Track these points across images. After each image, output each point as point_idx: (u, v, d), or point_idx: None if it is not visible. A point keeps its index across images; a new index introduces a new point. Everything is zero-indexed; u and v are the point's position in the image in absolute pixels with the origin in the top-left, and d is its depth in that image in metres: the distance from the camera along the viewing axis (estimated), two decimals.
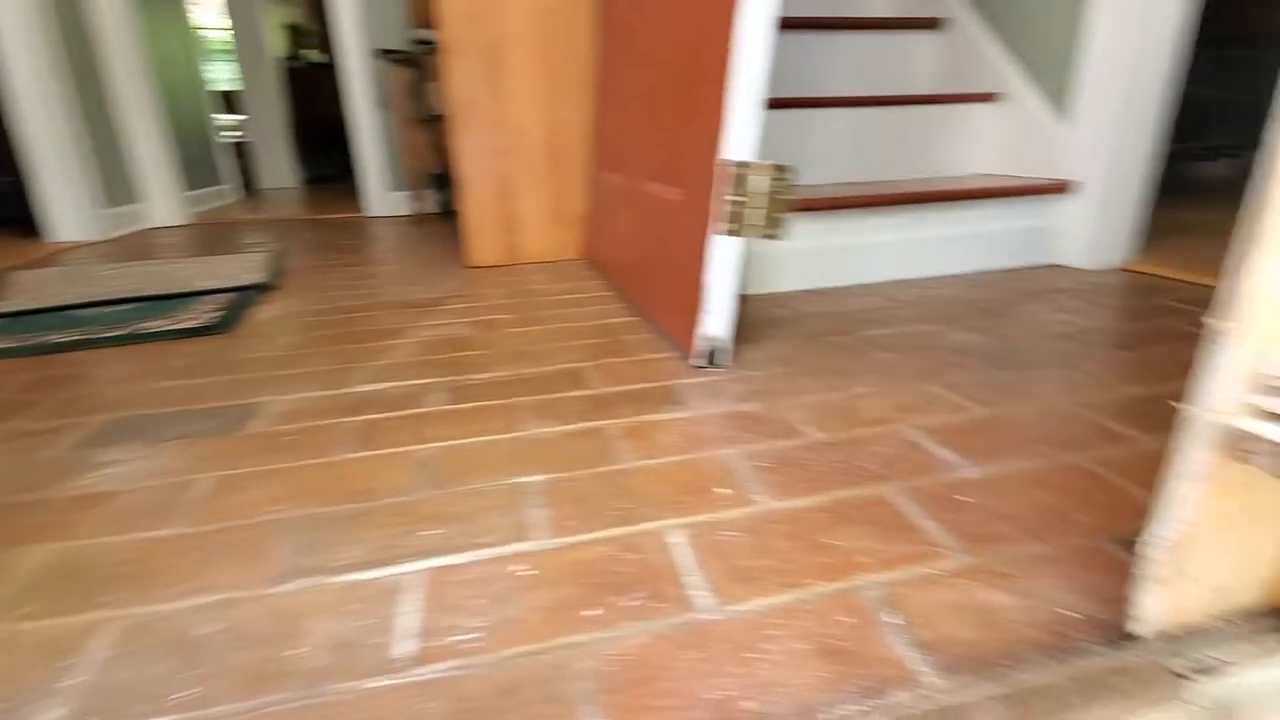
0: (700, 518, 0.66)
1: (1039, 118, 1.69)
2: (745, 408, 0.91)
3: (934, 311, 1.32)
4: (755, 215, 0.97)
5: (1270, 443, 0.39)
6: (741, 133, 0.94)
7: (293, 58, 5.73)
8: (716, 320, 1.03)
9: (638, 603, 0.55)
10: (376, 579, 0.59)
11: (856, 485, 0.71)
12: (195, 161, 3.53)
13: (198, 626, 0.54)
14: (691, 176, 1.08)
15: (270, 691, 0.48)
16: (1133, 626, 0.48)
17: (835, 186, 1.70)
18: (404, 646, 0.51)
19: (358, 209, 3.41)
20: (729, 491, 0.70)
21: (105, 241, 2.66)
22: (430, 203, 2.95)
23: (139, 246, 2.53)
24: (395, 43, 2.97)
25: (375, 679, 0.48)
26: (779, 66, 1.95)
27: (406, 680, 0.48)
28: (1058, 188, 1.61)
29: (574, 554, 0.61)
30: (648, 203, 1.30)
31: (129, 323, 1.42)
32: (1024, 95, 1.72)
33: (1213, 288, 1.41)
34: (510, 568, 0.60)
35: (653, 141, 1.28)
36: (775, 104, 1.68)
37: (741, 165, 0.95)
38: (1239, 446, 0.41)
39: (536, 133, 1.79)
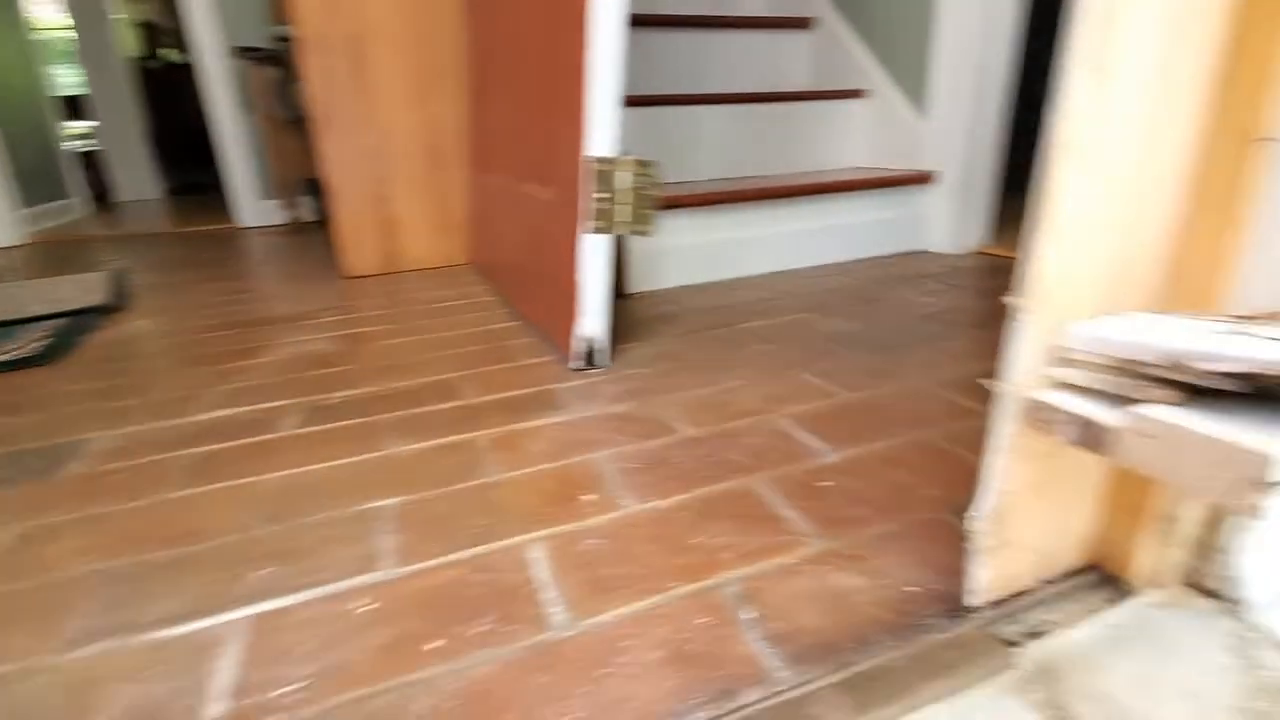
0: (564, 528, 0.64)
1: (902, 113, 1.77)
2: (621, 408, 0.89)
3: (811, 301, 1.36)
4: (623, 212, 0.96)
5: (1065, 412, 0.41)
6: (602, 129, 0.92)
7: (150, 58, 5.25)
8: (592, 320, 1.01)
9: (486, 628, 0.51)
10: (192, 633, 0.53)
11: (724, 480, 0.71)
12: (34, 174, 3.15)
13: None
14: (561, 175, 1.05)
15: None
16: (968, 598, 0.50)
17: (716, 182, 1.72)
18: (215, 708, 0.46)
19: (228, 220, 3.16)
20: (595, 498, 0.68)
21: None
22: (306, 211, 2.77)
23: None
24: (256, 39, 2.76)
25: None
26: (657, 64, 1.96)
27: None
28: (921, 178, 1.70)
29: (422, 581, 0.57)
30: (524, 203, 1.27)
31: None
32: (888, 92, 1.81)
33: None
34: (349, 605, 0.55)
35: (524, 140, 1.24)
36: (653, 101, 1.68)
37: (605, 162, 0.93)
38: (1041, 418, 0.42)
39: (410, 132, 1.71)
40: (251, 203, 2.93)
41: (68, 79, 4.68)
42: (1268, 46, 0.38)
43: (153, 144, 4.82)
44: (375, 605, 0.54)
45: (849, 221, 1.67)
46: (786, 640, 0.49)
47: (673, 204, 1.48)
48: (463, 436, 0.83)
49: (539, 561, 0.59)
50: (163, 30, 5.45)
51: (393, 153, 1.69)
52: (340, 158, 1.66)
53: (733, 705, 0.44)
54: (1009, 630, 0.49)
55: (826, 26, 2.01)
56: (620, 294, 1.45)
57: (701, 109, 1.74)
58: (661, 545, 0.61)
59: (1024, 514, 0.48)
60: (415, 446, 0.81)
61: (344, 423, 0.88)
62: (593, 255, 0.98)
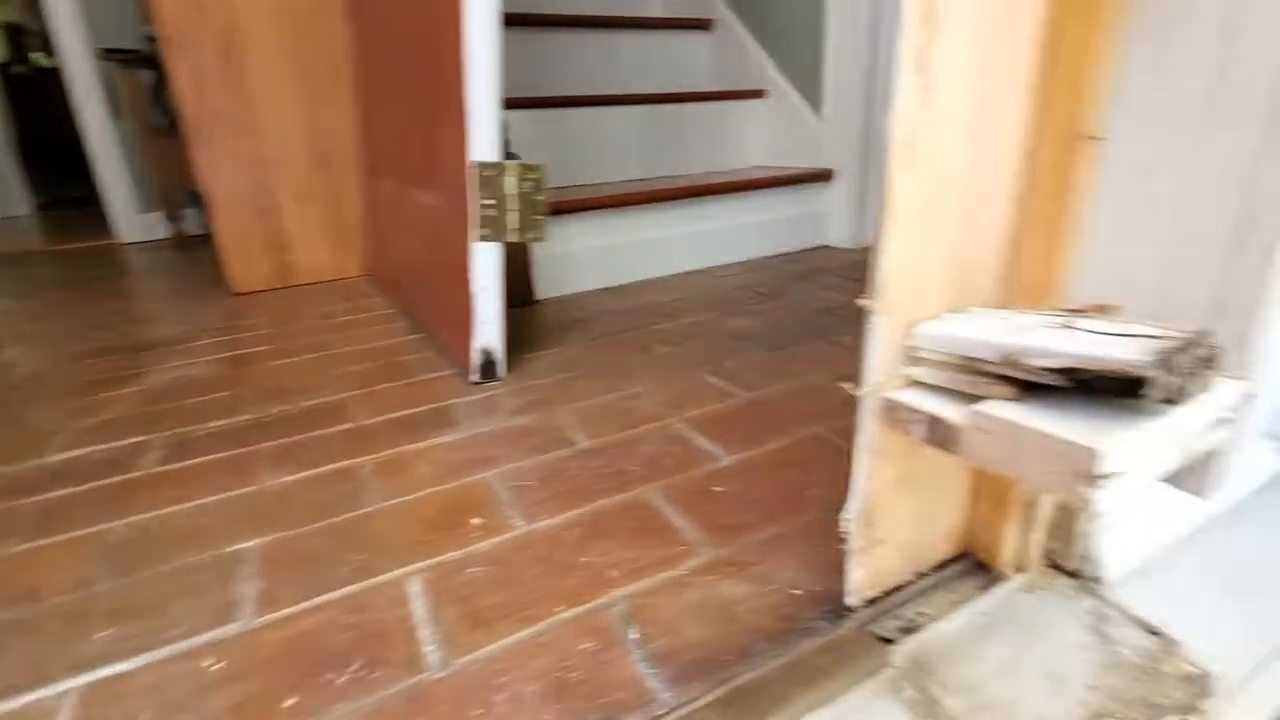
0: (447, 557, 0.60)
1: (800, 113, 1.81)
2: (519, 422, 0.86)
3: (717, 300, 1.37)
4: (511, 218, 0.93)
5: (916, 411, 0.41)
6: (484, 133, 0.89)
7: (18, 62, 4.78)
8: (488, 331, 0.98)
9: (352, 677, 0.48)
10: (20, 709, 0.46)
11: (618, 492, 0.69)
12: None
13: None
14: (445, 181, 1.01)
15: None
16: (847, 598, 0.50)
17: (623, 184, 1.71)
18: None
19: (106, 236, 2.91)
20: (483, 520, 0.65)
21: None
22: (191, 224, 2.59)
23: None
24: (126, 41, 2.55)
25: None
26: (558, 65, 1.93)
27: None
28: (821, 176, 1.75)
29: (285, 630, 0.52)
30: (413, 210, 1.21)
31: None
32: (786, 93, 1.85)
33: None
34: (199, 663, 0.50)
35: (409, 144, 1.19)
36: (554, 103, 1.65)
37: (489, 167, 0.90)
38: (897, 417, 0.43)
39: (296, 138, 1.61)
40: (130, 217, 2.71)
41: None
42: (1083, 49, 0.40)
43: (21, 156, 4.39)
44: (227, 662, 0.49)
45: (754, 220, 1.69)
46: (670, 659, 0.48)
47: (579, 207, 1.46)
48: (346, 463, 0.78)
49: (417, 596, 0.55)
50: (29, 32, 4.97)
51: (277, 160, 1.59)
52: (218, 166, 1.55)
53: None
54: (886, 627, 0.49)
55: (725, 28, 2.04)
56: (527, 301, 1.42)
57: (605, 110, 1.73)
58: (549, 567, 0.58)
59: (893, 511, 0.48)
60: (291, 478, 0.75)
61: (214, 456, 0.81)
62: (484, 264, 0.94)
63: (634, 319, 1.27)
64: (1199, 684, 0.44)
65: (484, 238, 0.92)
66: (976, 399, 0.39)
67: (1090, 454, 0.32)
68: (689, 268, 1.62)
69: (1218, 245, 0.37)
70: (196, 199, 2.48)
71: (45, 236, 3.11)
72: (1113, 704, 0.43)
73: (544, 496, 0.69)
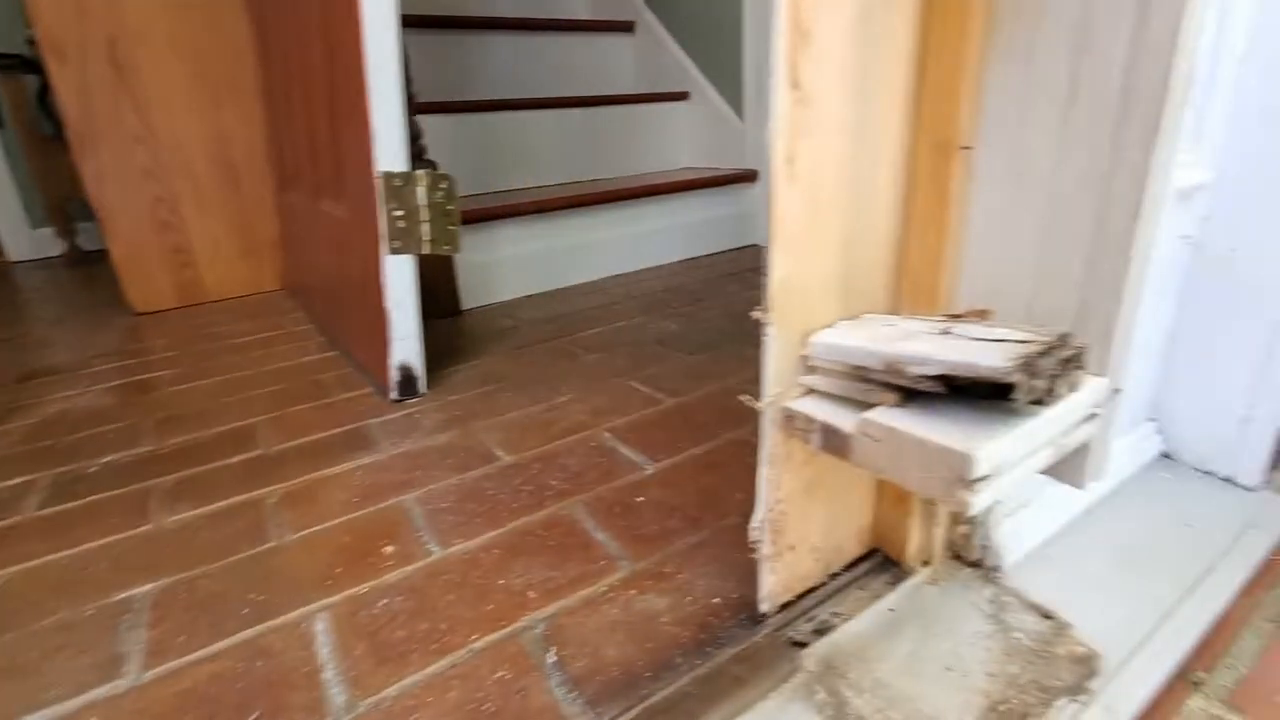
0: (357, 589, 0.58)
1: (724, 115, 1.84)
2: (439, 440, 0.84)
3: (645, 303, 1.37)
4: (423, 229, 0.90)
5: (811, 420, 0.41)
6: (390, 141, 0.86)
7: None
8: (405, 346, 0.95)
9: None
10: None
11: (539, 508, 0.68)
12: None
13: None
14: (353, 191, 0.97)
15: None
16: (761, 606, 0.50)
17: (549, 188, 1.69)
18: None
19: None
20: (396, 548, 0.63)
21: None
22: (88, 239, 2.41)
23: None
24: (7, 44, 2.36)
25: None
26: (479, 68, 1.89)
27: None
28: (747, 176, 1.77)
29: (176, 683, 0.49)
30: (325, 222, 1.16)
31: None
32: (709, 95, 1.86)
33: None
34: None
35: (316, 152, 1.14)
36: (476, 107, 1.62)
37: (397, 177, 0.87)
38: (796, 426, 0.43)
39: (196, 146, 1.52)
40: (18, 232, 2.50)
41: None
42: (953, 61, 0.41)
43: None
44: None
45: (682, 221, 1.70)
46: (588, 681, 0.47)
47: (504, 213, 1.43)
48: (250, 495, 0.74)
49: (322, 635, 0.53)
50: None
51: (176, 170, 1.50)
52: (108, 179, 1.44)
53: None
54: (800, 630, 0.50)
55: (647, 30, 2.04)
56: (452, 311, 1.38)
57: (529, 114, 1.70)
58: (464, 593, 0.57)
59: (803, 516, 0.49)
60: (189, 515, 0.71)
61: (103, 495, 0.76)
62: (397, 277, 0.91)
63: (561, 326, 1.26)
64: (1088, 664, 0.46)
65: (396, 250, 0.89)
66: (869, 406, 0.40)
67: (964, 459, 0.33)
68: (618, 271, 1.62)
69: (1080, 248, 0.39)
70: (91, 212, 2.32)
71: None
72: (1009, 691, 0.45)
73: (462, 518, 0.67)
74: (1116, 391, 0.40)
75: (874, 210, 0.43)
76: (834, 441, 0.40)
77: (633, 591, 0.56)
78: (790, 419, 0.43)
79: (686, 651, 0.49)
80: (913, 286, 0.45)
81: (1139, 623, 0.51)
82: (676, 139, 1.95)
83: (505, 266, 1.46)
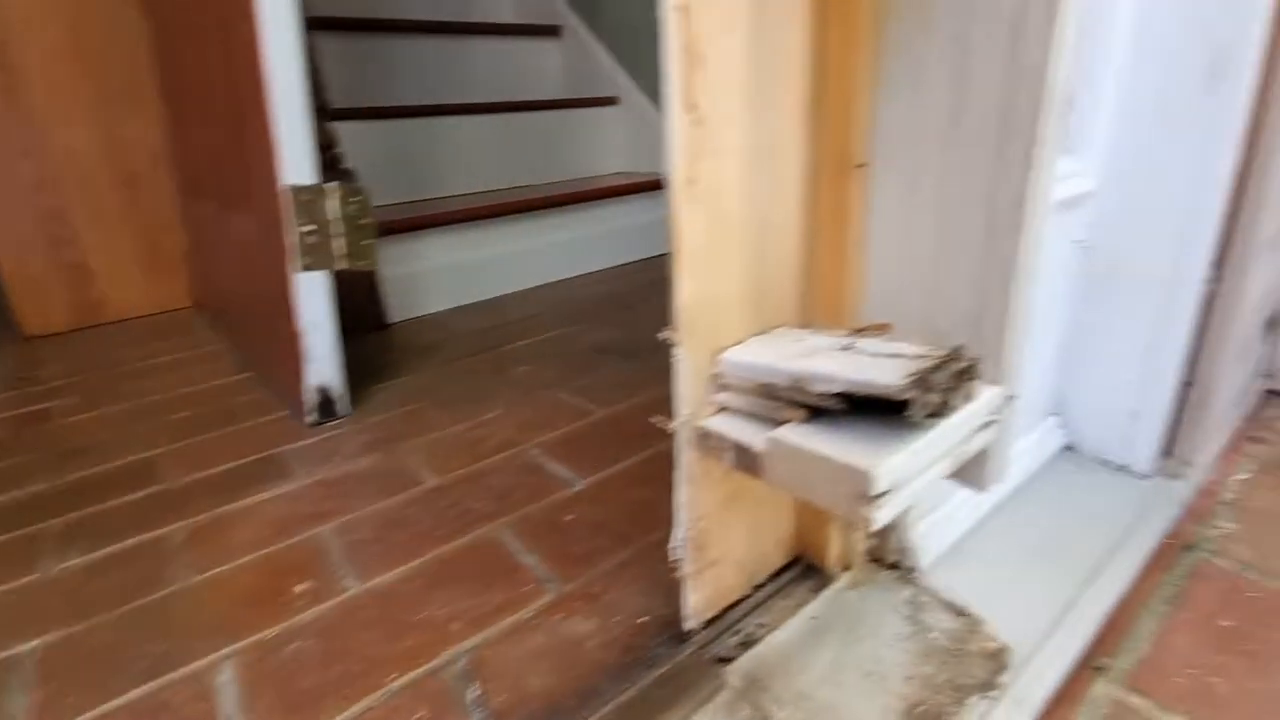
0: (266, 633, 0.55)
1: (653, 119, 1.84)
2: (359, 464, 0.80)
3: (577, 312, 1.35)
4: (336, 244, 0.86)
5: (723, 437, 0.41)
6: (296, 152, 0.82)
7: None
8: (322, 368, 0.90)
9: None
10: None
11: (464, 533, 0.66)
12: None
13: None
14: (260, 204, 0.92)
15: None
16: (686, 623, 0.50)
17: (477, 196, 1.65)
18: None
19: None
20: (310, 585, 0.60)
21: None
22: None
23: None
24: None
25: None
26: (402, 73, 1.84)
27: None
28: None
29: None
30: (232, 237, 1.10)
31: None
32: (637, 99, 1.87)
33: None
34: None
35: (220, 162, 1.08)
36: (398, 113, 1.57)
37: (305, 190, 0.83)
38: (709, 445, 0.43)
39: (93, 157, 1.41)
40: None
41: None
42: (847, 80, 0.42)
43: None
44: None
45: (614, 227, 1.70)
46: (509, 715, 0.46)
47: (430, 223, 1.39)
48: (152, 535, 0.69)
49: (226, 686, 0.50)
50: None
51: (69, 182, 1.39)
52: None
53: None
54: (726, 644, 0.50)
55: (574, 35, 2.03)
56: (377, 325, 1.33)
57: (455, 120, 1.66)
58: (383, 630, 0.54)
59: (725, 531, 0.49)
60: (83, 560, 0.65)
61: None
62: (310, 295, 0.87)
63: (491, 338, 1.23)
64: (998, 659, 0.48)
65: (308, 267, 0.85)
66: (779, 423, 0.40)
67: (864, 476, 0.33)
68: (550, 279, 1.60)
69: (970, 260, 0.40)
70: None
71: None
72: (925, 692, 0.46)
73: (382, 548, 0.64)
74: (1011, 398, 0.42)
75: (780, 227, 0.43)
76: (746, 460, 0.40)
77: (559, 615, 0.55)
78: (705, 438, 0.43)
79: (612, 676, 0.48)
80: (822, 300, 0.46)
81: (1046, 614, 0.53)
82: (607, 144, 1.94)
83: (433, 277, 1.42)
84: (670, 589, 0.56)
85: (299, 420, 0.93)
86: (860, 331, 0.42)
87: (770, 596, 0.53)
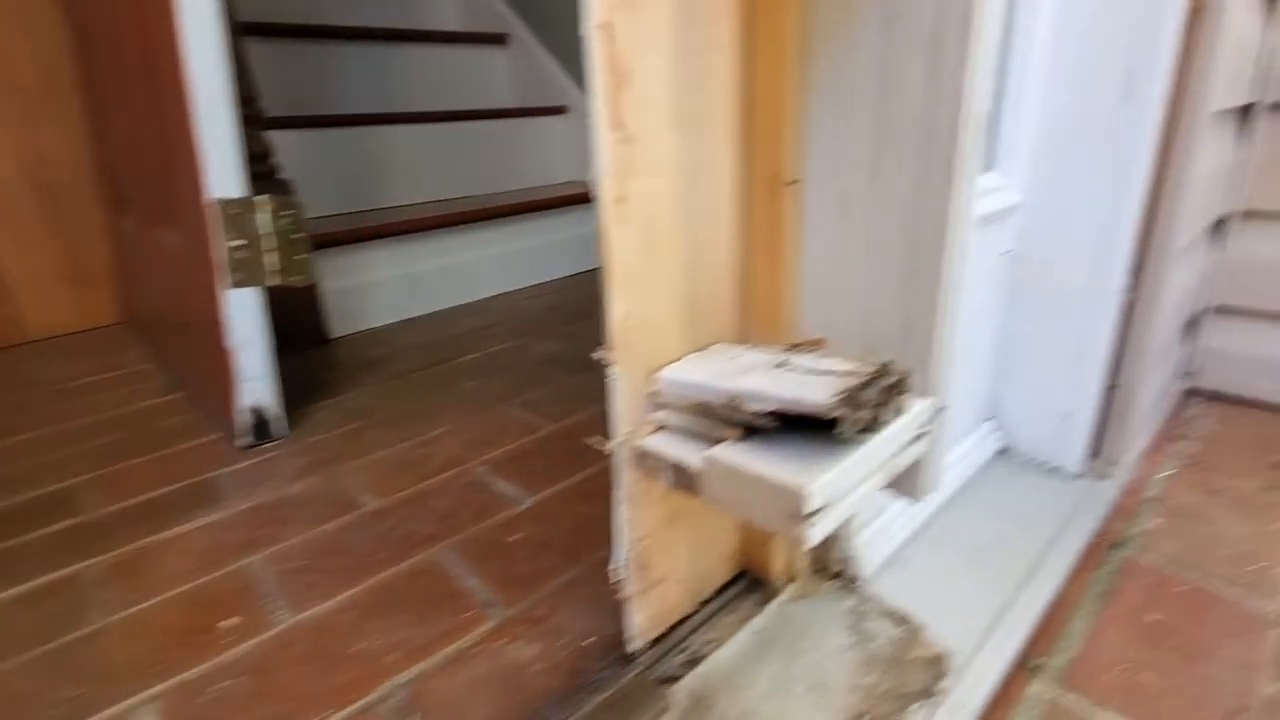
0: (191, 673, 0.52)
1: None
2: (295, 489, 0.77)
3: (526, 323, 1.34)
4: (268, 259, 0.83)
5: (661, 457, 0.41)
6: (223, 164, 0.78)
7: None
8: (256, 388, 0.87)
9: None
10: None
11: (405, 558, 0.64)
12: None
13: None
14: (187, 218, 0.88)
15: None
16: (630, 645, 0.50)
17: (422, 206, 1.62)
18: None
19: None
20: (238, 620, 0.57)
21: None
22: None
23: None
24: None
25: None
26: (345, 81, 1.79)
27: None
28: None
29: None
30: (159, 252, 1.05)
31: None
32: (587, 109, 1.86)
33: None
34: None
35: (145, 173, 1.03)
36: (341, 121, 1.53)
37: (232, 204, 0.79)
38: (648, 465, 0.42)
39: (9, 168, 1.33)
40: None
41: None
42: (776, 99, 0.42)
43: None
44: None
45: (565, 237, 1.68)
46: None
47: (373, 234, 1.35)
48: (68, 571, 0.65)
49: None
50: None
51: None
52: None
53: None
54: (671, 664, 0.49)
55: (521, 43, 2.01)
56: (318, 340, 1.29)
57: (399, 129, 1.63)
58: (316, 665, 0.52)
59: (669, 549, 0.49)
60: None
61: None
62: (241, 312, 0.83)
63: (437, 352, 1.20)
64: (937, 665, 0.49)
65: (238, 283, 0.82)
66: (716, 441, 0.40)
67: (796, 494, 0.33)
68: (498, 291, 1.58)
69: (897, 275, 0.41)
70: None
71: None
72: (868, 702, 0.46)
73: (317, 577, 0.62)
74: (942, 409, 0.42)
75: (714, 244, 0.43)
76: (684, 479, 0.40)
77: (503, 640, 0.53)
78: (643, 457, 0.42)
79: (556, 702, 0.47)
80: (759, 316, 0.46)
81: (983, 617, 0.54)
82: (556, 153, 1.93)
83: (376, 290, 1.38)
84: (617, 607, 0.55)
85: (231, 443, 0.89)
86: (795, 347, 0.42)
87: (716, 612, 0.53)
